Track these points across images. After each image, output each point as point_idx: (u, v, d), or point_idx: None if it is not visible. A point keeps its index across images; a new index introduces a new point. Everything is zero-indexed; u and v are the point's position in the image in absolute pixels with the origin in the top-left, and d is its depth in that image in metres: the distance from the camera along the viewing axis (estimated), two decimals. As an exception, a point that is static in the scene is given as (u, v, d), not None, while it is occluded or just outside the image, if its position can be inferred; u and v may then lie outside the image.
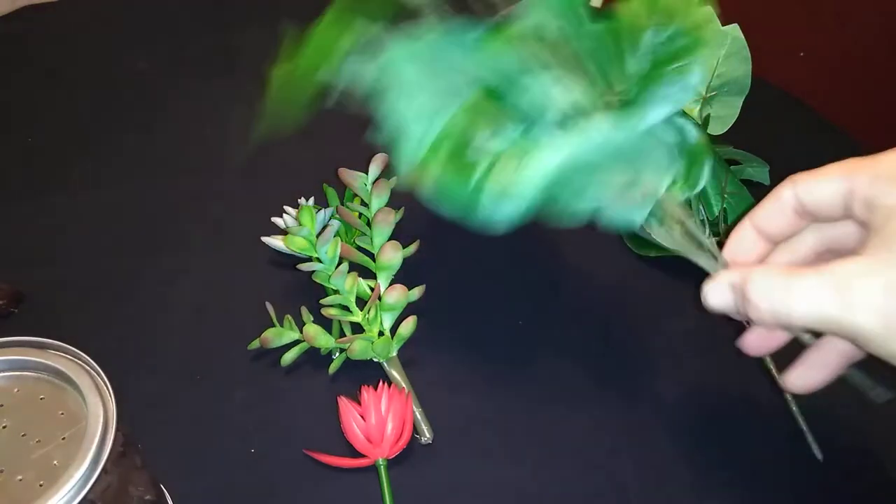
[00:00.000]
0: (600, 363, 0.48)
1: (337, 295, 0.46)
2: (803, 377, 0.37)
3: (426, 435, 0.43)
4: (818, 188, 0.33)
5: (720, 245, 0.38)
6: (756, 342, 0.38)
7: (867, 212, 0.30)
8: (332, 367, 0.46)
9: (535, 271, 0.54)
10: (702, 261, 0.37)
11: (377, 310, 0.46)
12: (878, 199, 0.30)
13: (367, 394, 0.43)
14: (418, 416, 0.43)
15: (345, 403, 0.42)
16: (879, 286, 0.27)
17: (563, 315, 0.51)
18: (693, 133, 0.38)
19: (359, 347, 0.45)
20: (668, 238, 0.38)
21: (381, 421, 0.41)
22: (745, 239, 0.37)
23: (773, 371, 0.47)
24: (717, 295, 0.34)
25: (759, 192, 0.58)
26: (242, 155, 0.61)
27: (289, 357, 0.46)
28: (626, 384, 0.48)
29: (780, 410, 0.46)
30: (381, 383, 0.43)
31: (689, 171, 0.38)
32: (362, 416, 0.42)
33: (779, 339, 0.38)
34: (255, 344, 0.46)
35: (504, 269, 0.53)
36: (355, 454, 0.42)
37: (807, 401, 0.46)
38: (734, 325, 0.40)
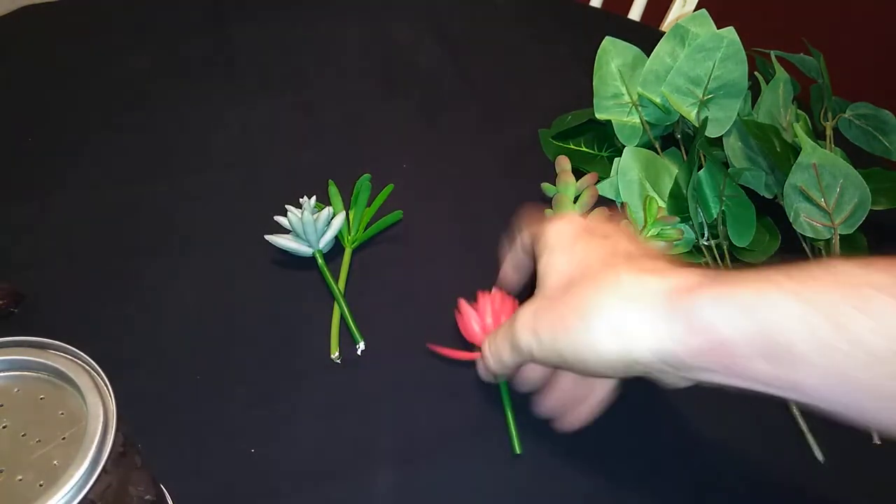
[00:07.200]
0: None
1: None
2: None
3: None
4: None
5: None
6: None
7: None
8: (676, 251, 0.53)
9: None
10: None
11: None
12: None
13: (482, 297, 0.47)
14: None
15: (465, 305, 0.47)
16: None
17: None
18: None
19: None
20: None
21: (496, 319, 0.46)
22: None
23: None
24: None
25: (758, 194, 0.58)
26: (242, 154, 0.62)
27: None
28: (625, 382, 0.48)
29: (780, 411, 0.46)
30: (493, 289, 0.48)
31: None
32: (480, 317, 0.46)
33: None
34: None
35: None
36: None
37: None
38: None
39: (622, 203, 0.56)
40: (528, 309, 0.39)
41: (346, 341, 0.48)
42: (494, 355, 0.42)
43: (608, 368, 0.36)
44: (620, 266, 0.36)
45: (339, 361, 0.47)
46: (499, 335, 0.41)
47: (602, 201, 0.57)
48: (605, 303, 0.35)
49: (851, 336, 0.29)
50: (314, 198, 0.53)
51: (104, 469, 0.27)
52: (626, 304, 0.34)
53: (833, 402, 0.30)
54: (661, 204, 0.56)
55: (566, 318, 0.36)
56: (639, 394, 0.47)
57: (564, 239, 0.41)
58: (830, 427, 0.45)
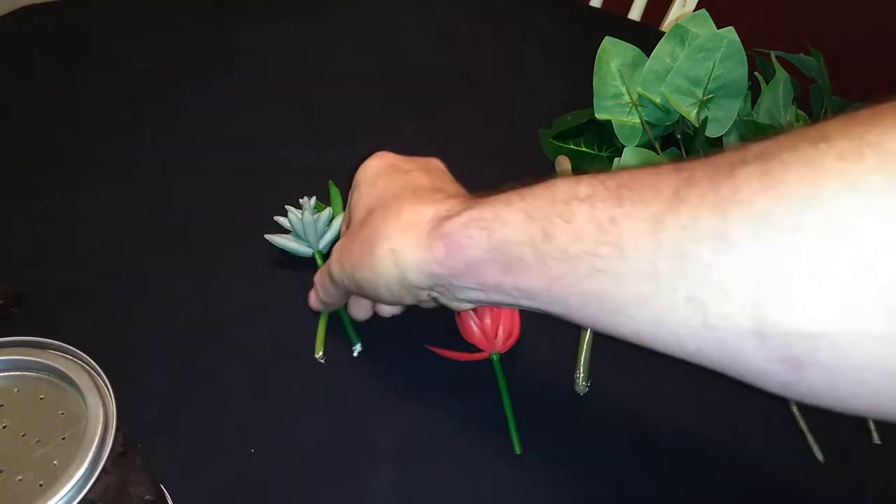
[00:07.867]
0: (606, 358, 0.48)
1: None
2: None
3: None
4: None
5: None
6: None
7: None
8: None
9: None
10: None
11: None
12: None
13: None
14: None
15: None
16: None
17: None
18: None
19: None
20: None
21: (495, 320, 0.46)
22: None
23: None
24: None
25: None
26: (242, 154, 0.62)
27: None
28: (625, 382, 0.48)
29: (780, 411, 0.46)
30: None
31: None
32: (479, 318, 0.46)
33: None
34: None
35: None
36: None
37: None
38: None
39: None
40: (338, 243, 0.44)
41: (346, 341, 0.48)
42: (320, 285, 0.47)
43: (395, 295, 0.40)
44: (406, 199, 0.40)
45: (322, 361, 0.47)
46: (323, 268, 0.46)
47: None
48: (385, 234, 0.39)
49: (557, 243, 0.32)
50: (314, 198, 0.53)
51: (104, 469, 0.27)
52: (401, 234, 0.38)
53: (558, 307, 0.33)
54: None
55: (357, 250, 0.40)
56: (639, 394, 0.47)
57: (370, 176, 0.44)
58: (830, 427, 0.45)
